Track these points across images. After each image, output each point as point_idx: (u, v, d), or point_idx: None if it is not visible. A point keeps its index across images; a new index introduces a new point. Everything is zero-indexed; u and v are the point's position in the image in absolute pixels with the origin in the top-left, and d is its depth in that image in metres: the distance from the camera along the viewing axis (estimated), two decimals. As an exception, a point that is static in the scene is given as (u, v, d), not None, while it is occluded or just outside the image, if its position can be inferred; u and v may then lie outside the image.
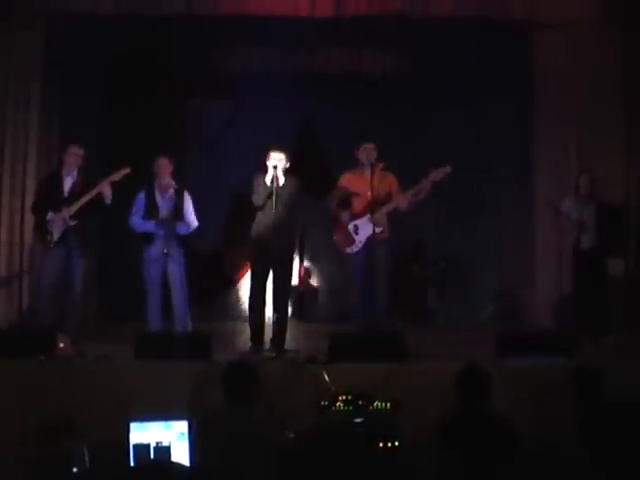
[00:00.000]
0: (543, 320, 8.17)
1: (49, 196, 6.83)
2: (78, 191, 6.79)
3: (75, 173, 6.86)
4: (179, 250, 6.93)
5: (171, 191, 6.96)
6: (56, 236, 6.69)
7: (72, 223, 6.73)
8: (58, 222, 6.71)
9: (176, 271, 6.90)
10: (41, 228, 6.80)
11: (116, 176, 6.73)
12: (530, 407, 5.17)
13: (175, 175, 7.01)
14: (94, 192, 6.70)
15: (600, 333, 6.94)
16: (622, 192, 7.96)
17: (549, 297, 8.19)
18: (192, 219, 7.02)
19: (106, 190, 6.70)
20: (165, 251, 6.77)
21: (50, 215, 6.72)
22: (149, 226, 6.90)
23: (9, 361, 5.73)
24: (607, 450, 2.59)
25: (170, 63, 9.14)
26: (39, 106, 7.85)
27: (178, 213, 6.95)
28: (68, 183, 6.85)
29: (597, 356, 6.13)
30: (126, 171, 6.74)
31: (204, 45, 8.73)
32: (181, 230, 6.94)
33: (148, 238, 6.91)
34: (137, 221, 6.95)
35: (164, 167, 6.95)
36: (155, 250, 6.86)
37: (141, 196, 6.97)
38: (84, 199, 6.71)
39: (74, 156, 6.85)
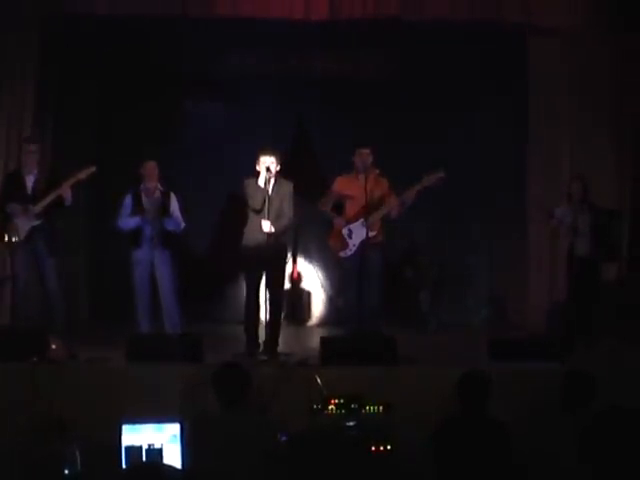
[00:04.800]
0: (536, 325, 8.17)
1: (13, 195, 6.85)
2: (42, 189, 6.82)
3: (36, 171, 6.91)
4: (167, 252, 6.91)
5: (157, 193, 6.97)
6: (22, 235, 6.69)
7: (36, 222, 6.74)
8: (23, 221, 6.72)
9: (164, 273, 6.90)
10: (5, 227, 6.76)
11: (81, 174, 6.75)
12: (522, 411, 5.16)
13: (162, 178, 7.01)
14: (55, 194, 6.73)
15: (593, 338, 6.95)
16: (615, 197, 7.98)
17: (542, 302, 8.20)
18: (180, 219, 7.00)
19: (66, 193, 6.74)
20: (152, 239, 6.78)
21: (14, 209, 6.70)
22: (135, 221, 6.87)
23: (0, 363, 5.70)
24: (601, 456, 2.59)
25: (165, 64, 9.11)
26: (34, 105, 7.83)
27: (165, 212, 6.94)
28: (30, 181, 6.90)
29: (590, 361, 6.13)
30: (91, 170, 6.77)
31: (199, 46, 8.73)
32: (169, 226, 6.91)
33: (136, 240, 6.89)
34: (123, 221, 6.93)
35: (151, 171, 6.95)
36: (142, 252, 6.85)
37: (127, 199, 6.97)
38: (47, 199, 6.75)
39: (29, 154, 6.90)
